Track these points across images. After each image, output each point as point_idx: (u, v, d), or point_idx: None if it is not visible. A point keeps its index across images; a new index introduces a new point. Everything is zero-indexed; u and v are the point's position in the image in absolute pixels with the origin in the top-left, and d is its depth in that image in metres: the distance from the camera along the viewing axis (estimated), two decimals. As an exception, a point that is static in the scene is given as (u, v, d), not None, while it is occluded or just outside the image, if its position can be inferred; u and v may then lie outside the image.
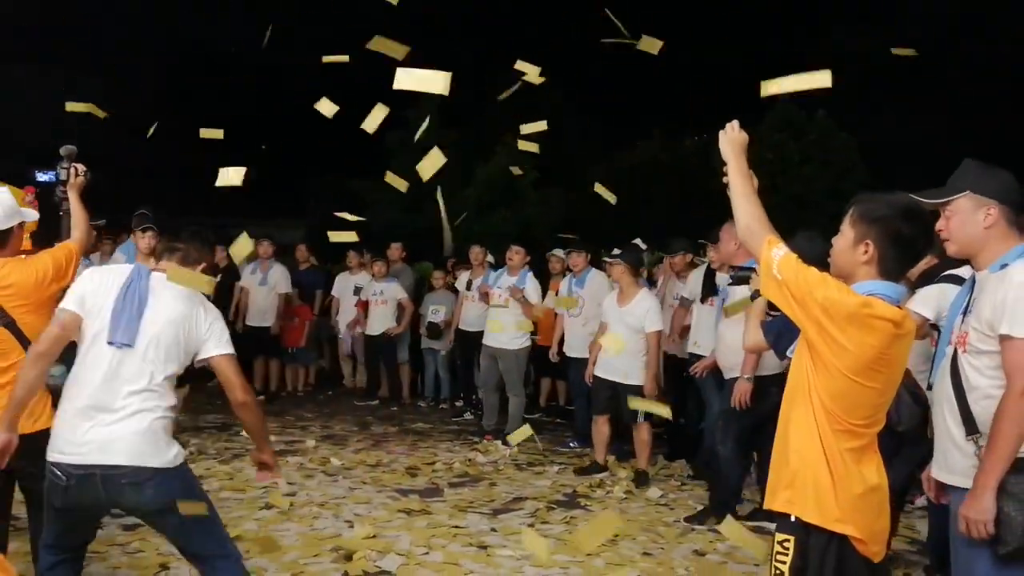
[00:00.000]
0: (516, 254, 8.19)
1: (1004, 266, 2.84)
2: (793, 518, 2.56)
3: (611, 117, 22.94)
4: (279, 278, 10.10)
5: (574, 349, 7.90)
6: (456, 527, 5.36)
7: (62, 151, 4.22)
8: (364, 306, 10.21)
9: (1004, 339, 2.76)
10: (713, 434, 5.88)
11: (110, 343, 3.16)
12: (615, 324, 6.83)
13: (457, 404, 9.89)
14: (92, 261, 7.63)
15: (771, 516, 2.71)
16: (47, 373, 3.28)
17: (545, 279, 8.95)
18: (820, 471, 2.51)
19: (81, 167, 4.24)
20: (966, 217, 2.93)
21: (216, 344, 3.34)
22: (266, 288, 10.02)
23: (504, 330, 8.09)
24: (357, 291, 10.45)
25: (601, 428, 6.99)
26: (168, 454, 3.19)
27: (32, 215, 4.05)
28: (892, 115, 18.36)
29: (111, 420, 3.11)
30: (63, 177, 4.21)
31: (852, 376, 2.46)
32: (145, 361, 3.18)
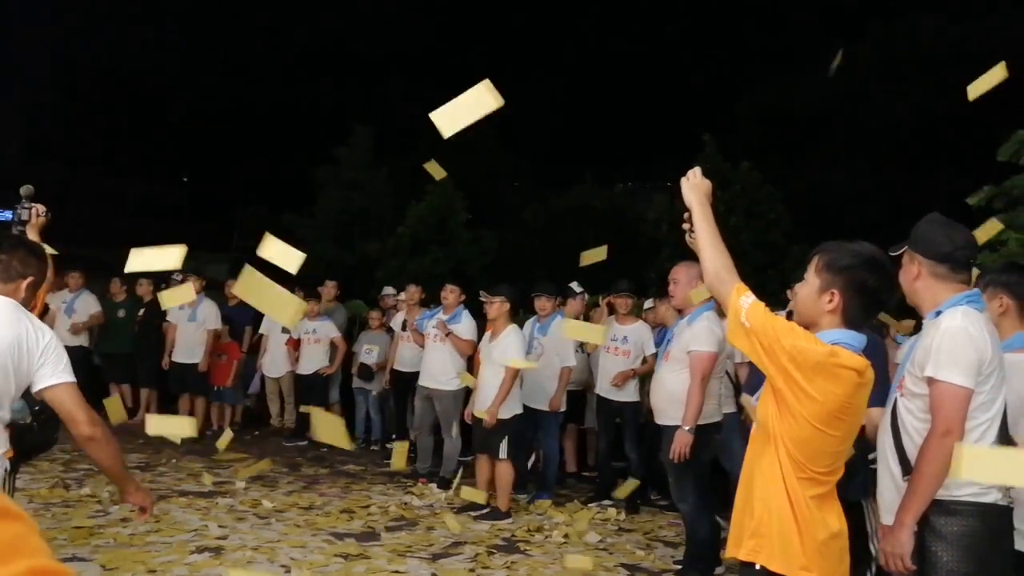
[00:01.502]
0: (451, 293, 7.98)
1: (939, 313, 2.97)
2: (758, 567, 2.56)
3: (545, 159, 23.24)
4: (208, 314, 9.89)
5: (530, 399, 7.50)
6: (396, 572, 5.24)
7: (22, 191, 4.06)
8: (295, 344, 10.03)
9: (929, 381, 2.88)
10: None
11: None
12: (484, 360, 7.05)
13: (388, 446, 9.73)
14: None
15: None
16: None
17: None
18: (785, 519, 2.52)
19: (42, 207, 4.08)
20: (904, 270, 3.10)
21: (52, 372, 2.90)
22: (195, 324, 9.79)
23: (441, 370, 7.90)
24: (285, 329, 10.26)
25: (483, 465, 7.03)
26: None
27: None
28: (814, 167, 18.93)
29: None
30: (24, 217, 4.02)
31: (817, 424, 2.48)
32: None
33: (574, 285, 8.63)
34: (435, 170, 5.78)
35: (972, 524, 2.84)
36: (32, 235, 4.02)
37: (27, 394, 2.98)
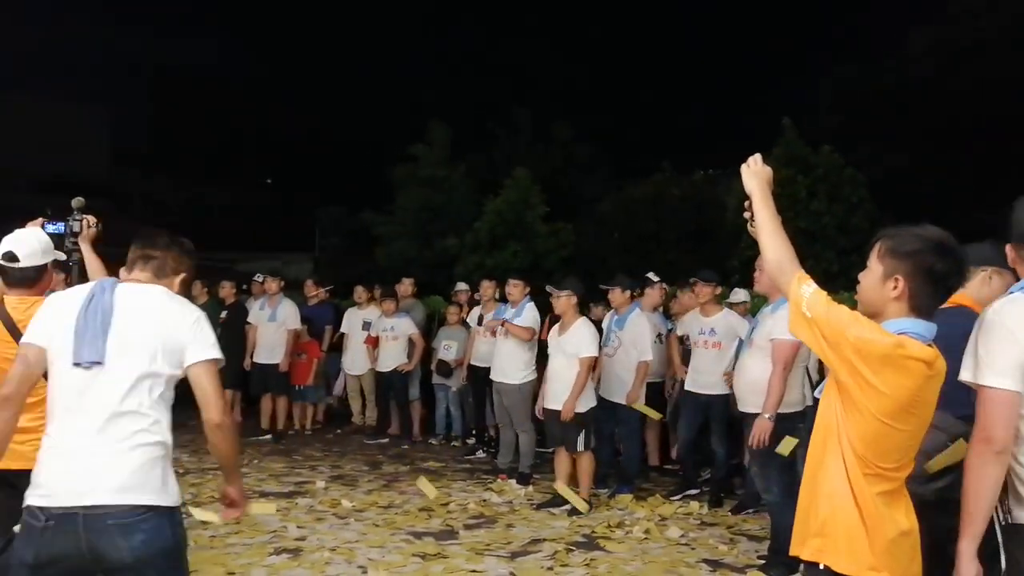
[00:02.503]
0: (515, 288, 7.91)
1: None
2: (823, 567, 2.46)
3: (621, 150, 23.02)
4: (288, 314, 10.04)
5: (609, 392, 7.47)
6: (474, 571, 5.22)
7: (73, 203, 4.18)
8: (374, 341, 10.11)
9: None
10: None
11: (76, 364, 2.75)
12: (555, 353, 6.98)
13: (468, 442, 9.76)
14: None
15: None
16: (17, 416, 2.88)
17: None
18: (852, 517, 2.41)
19: (92, 219, 4.20)
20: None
21: (200, 348, 2.87)
22: (275, 324, 9.96)
23: (507, 364, 7.80)
24: (366, 326, 10.35)
25: (562, 459, 6.99)
26: (164, 490, 2.78)
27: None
28: (897, 150, 18.34)
29: (91, 452, 2.69)
30: (76, 229, 4.15)
31: (884, 419, 2.35)
32: (122, 379, 2.76)
33: (651, 275, 8.51)
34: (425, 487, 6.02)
35: None
36: (84, 246, 4.13)
37: None
